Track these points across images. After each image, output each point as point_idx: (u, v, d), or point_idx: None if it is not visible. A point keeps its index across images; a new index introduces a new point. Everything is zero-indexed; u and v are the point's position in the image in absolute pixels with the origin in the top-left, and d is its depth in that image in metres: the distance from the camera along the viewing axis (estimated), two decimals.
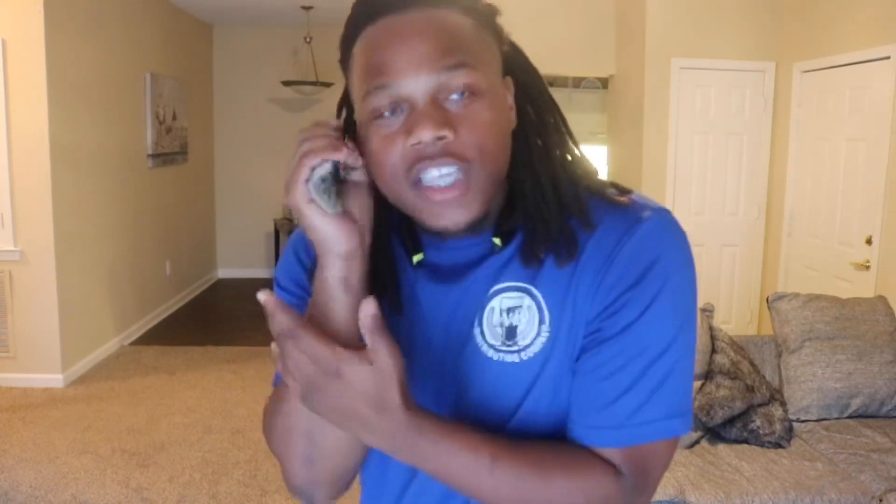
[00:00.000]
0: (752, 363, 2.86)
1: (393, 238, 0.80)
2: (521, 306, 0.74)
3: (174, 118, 6.20)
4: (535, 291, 0.74)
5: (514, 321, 0.74)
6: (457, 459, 0.68)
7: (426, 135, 0.66)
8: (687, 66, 4.75)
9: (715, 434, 2.69)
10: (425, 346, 0.78)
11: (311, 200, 0.68)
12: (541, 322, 0.74)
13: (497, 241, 0.76)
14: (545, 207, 0.75)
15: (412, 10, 0.69)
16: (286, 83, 6.84)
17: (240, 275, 7.78)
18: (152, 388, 4.43)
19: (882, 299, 3.09)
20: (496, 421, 0.76)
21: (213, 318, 6.32)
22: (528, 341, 0.74)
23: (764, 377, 2.85)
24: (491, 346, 0.75)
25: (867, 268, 3.78)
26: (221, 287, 7.42)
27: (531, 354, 0.74)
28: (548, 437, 0.75)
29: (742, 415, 2.65)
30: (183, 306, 6.53)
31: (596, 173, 0.79)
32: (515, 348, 0.74)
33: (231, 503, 3.09)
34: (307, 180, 0.68)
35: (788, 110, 4.58)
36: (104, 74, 4.93)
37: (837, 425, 2.80)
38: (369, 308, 0.64)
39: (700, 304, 3.08)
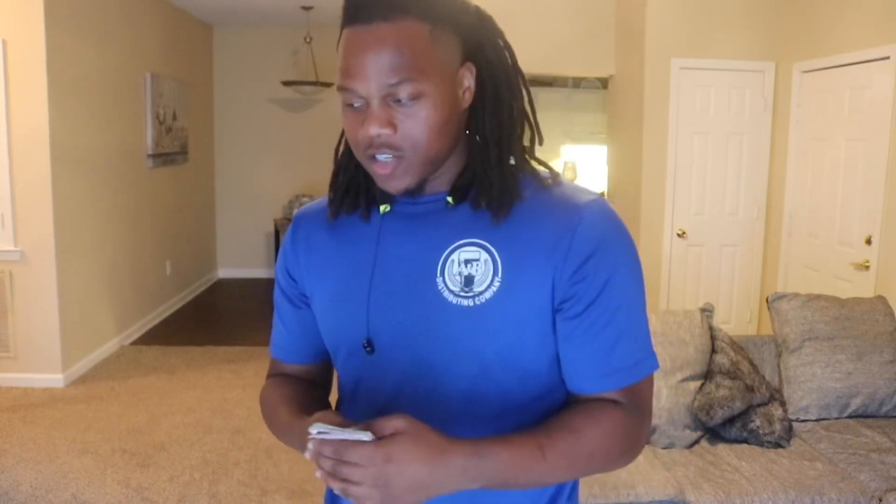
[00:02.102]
0: (751, 363, 2.86)
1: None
2: (478, 259, 0.90)
3: (174, 118, 6.20)
4: (491, 248, 0.90)
5: (471, 271, 0.90)
6: (518, 463, 0.82)
7: (372, 131, 0.86)
8: (687, 66, 4.75)
9: (715, 434, 2.69)
10: (390, 281, 0.94)
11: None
12: (494, 274, 0.89)
13: (449, 199, 0.93)
14: (487, 170, 0.92)
15: (374, 23, 0.84)
16: (286, 83, 6.85)
17: (240, 275, 7.78)
18: (152, 388, 4.44)
19: (882, 299, 3.09)
20: (454, 363, 0.90)
21: (213, 318, 6.32)
22: (482, 288, 0.89)
23: (764, 377, 2.85)
24: (451, 292, 0.90)
25: (867, 268, 3.78)
26: (221, 287, 7.42)
27: (484, 300, 0.89)
28: (515, 380, 0.91)
29: (742, 414, 2.66)
30: (183, 306, 6.53)
31: (531, 154, 0.97)
32: (471, 294, 0.89)
33: (231, 503, 3.09)
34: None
35: (788, 110, 4.58)
36: (104, 74, 4.93)
37: (837, 425, 2.81)
38: (363, 434, 0.77)
39: (700, 303, 3.08)
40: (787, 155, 4.61)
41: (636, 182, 5.03)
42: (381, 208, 0.97)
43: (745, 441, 2.66)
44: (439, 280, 0.91)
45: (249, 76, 7.50)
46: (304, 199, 7.05)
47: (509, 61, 0.95)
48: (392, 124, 0.86)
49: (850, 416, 2.87)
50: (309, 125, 7.61)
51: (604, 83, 6.40)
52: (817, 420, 2.86)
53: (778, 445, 2.64)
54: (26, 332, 4.37)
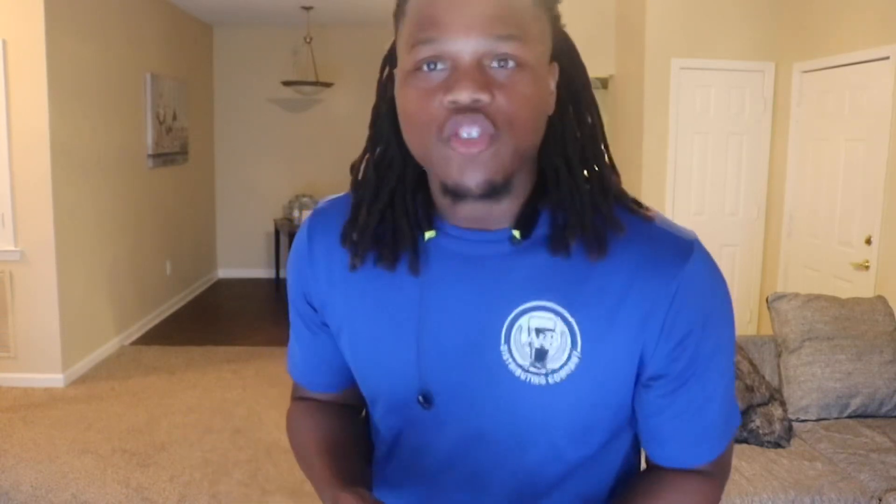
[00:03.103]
0: (751, 363, 2.86)
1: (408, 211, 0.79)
2: (552, 329, 0.74)
3: (174, 118, 6.20)
4: (568, 317, 0.74)
5: (544, 344, 0.74)
6: None
7: (464, 95, 0.66)
8: (687, 66, 4.75)
9: None
10: (442, 332, 0.77)
11: None
12: (573, 348, 0.74)
13: (516, 233, 0.75)
14: (577, 193, 0.74)
15: None
16: (286, 83, 6.85)
17: (240, 275, 7.78)
18: (152, 388, 4.44)
19: (881, 299, 3.09)
20: (519, 440, 0.78)
21: (213, 318, 6.32)
22: (556, 366, 0.74)
23: (763, 377, 2.85)
24: (518, 365, 0.75)
25: (867, 268, 3.78)
26: (221, 287, 7.42)
27: (559, 378, 0.74)
28: (578, 462, 0.80)
29: (741, 414, 2.66)
30: (183, 306, 6.53)
31: (618, 182, 0.79)
32: (543, 371, 0.75)
33: (231, 503, 3.09)
34: None
35: (788, 110, 4.58)
36: (104, 74, 4.93)
37: (837, 425, 2.81)
38: None
39: None
40: (787, 155, 4.61)
41: (636, 182, 5.03)
42: (427, 235, 0.77)
43: (745, 441, 2.65)
44: (504, 348, 0.75)
45: (249, 76, 7.50)
46: (304, 199, 7.05)
47: (586, 74, 0.80)
48: (490, 89, 0.67)
49: (849, 416, 2.87)
50: (309, 125, 7.61)
51: (604, 83, 6.40)
52: (817, 420, 2.86)
53: (778, 445, 2.64)
54: (26, 332, 4.37)
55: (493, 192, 0.71)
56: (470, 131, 0.67)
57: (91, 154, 4.77)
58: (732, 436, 0.83)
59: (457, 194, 0.72)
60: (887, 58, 3.61)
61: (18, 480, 3.23)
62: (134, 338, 5.46)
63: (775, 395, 2.83)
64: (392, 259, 0.77)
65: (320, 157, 7.60)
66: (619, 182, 0.79)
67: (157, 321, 5.94)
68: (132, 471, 3.35)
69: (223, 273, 7.80)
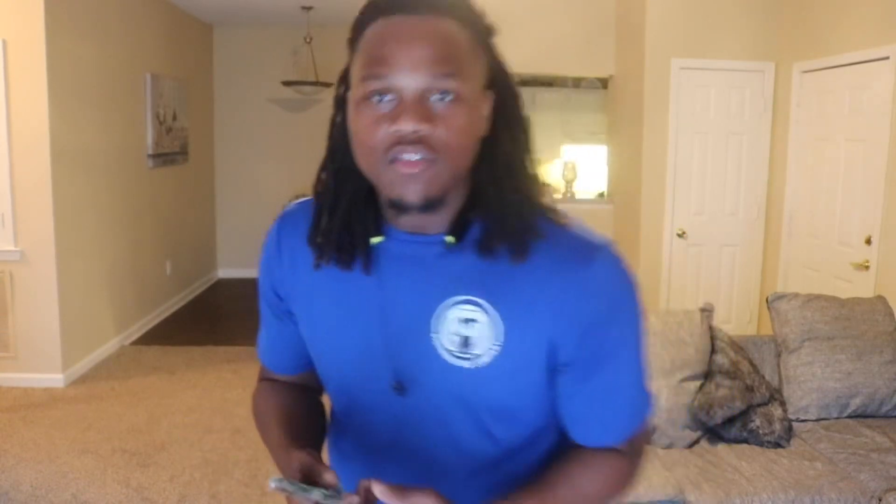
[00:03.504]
0: (751, 363, 2.86)
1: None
2: (476, 320, 0.85)
3: (174, 118, 6.20)
4: (491, 309, 0.85)
5: (470, 333, 0.85)
6: None
7: (408, 126, 0.77)
8: (687, 66, 4.75)
9: (715, 434, 2.69)
10: (381, 325, 0.89)
11: None
12: (494, 337, 0.85)
13: (449, 238, 0.86)
14: (503, 204, 0.85)
15: (421, 14, 0.79)
16: (286, 83, 6.85)
17: (240, 275, 7.78)
18: (153, 388, 4.44)
19: (881, 299, 3.09)
20: (450, 419, 0.89)
21: (213, 318, 6.32)
22: (480, 352, 0.85)
23: (763, 377, 2.86)
24: (447, 351, 0.86)
25: (867, 268, 3.78)
26: (221, 287, 7.42)
27: (482, 363, 0.85)
28: (508, 432, 0.90)
29: (742, 414, 2.66)
30: (183, 306, 6.53)
31: (544, 194, 0.90)
32: (468, 356, 0.85)
33: (231, 503, 3.09)
34: None
35: (788, 110, 4.58)
36: (104, 74, 4.93)
37: (837, 425, 2.81)
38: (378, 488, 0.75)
39: (700, 303, 3.08)
40: (787, 155, 4.61)
41: (636, 182, 5.03)
42: (374, 239, 0.88)
43: (745, 441, 2.66)
44: (434, 336, 0.86)
45: (249, 76, 7.50)
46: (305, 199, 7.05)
47: (520, 102, 0.90)
48: (431, 120, 0.78)
49: (849, 416, 2.87)
50: (309, 125, 7.61)
51: (604, 83, 6.40)
52: (817, 420, 2.86)
53: (778, 445, 2.64)
54: (26, 332, 4.37)
55: (430, 206, 0.81)
56: (411, 156, 0.78)
57: (91, 154, 4.77)
58: (643, 421, 0.94)
59: (400, 208, 0.82)
60: (887, 58, 3.61)
61: (18, 480, 3.23)
62: (134, 338, 5.46)
63: (775, 395, 2.83)
64: (349, 260, 0.89)
65: (320, 157, 7.48)
66: (545, 193, 0.89)
67: (157, 321, 5.94)
68: (132, 471, 3.35)
69: (223, 273, 7.80)
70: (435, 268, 0.87)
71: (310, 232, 0.91)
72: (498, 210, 0.85)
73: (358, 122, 0.81)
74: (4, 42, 4.12)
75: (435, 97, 0.78)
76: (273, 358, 1.06)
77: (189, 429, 3.84)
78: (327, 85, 6.87)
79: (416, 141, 0.78)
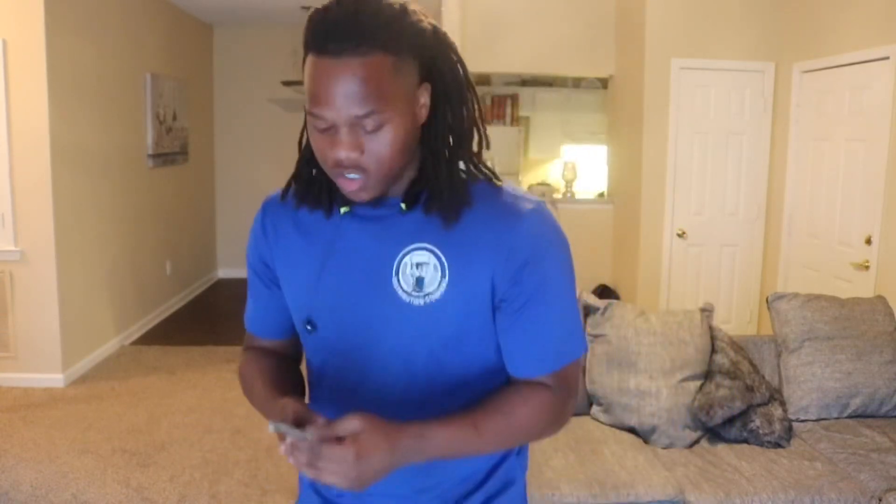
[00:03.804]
0: (751, 363, 2.86)
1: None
2: (427, 263, 1.01)
3: (174, 118, 6.20)
4: (438, 253, 1.01)
5: (422, 274, 1.01)
6: (456, 441, 0.96)
7: (341, 155, 0.94)
8: (687, 66, 4.75)
9: (715, 434, 2.69)
10: (343, 273, 1.05)
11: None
12: (442, 276, 1.00)
13: (403, 205, 1.02)
14: (440, 178, 1.01)
15: (342, 57, 0.90)
16: (286, 83, 6.84)
17: (240, 275, 7.77)
18: (153, 388, 4.44)
19: (881, 299, 3.09)
20: (407, 352, 1.03)
21: (213, 318, 6.32)
22: (431, 289, 1.01)
23: (763, 377, 2.86)
24: (404, 291, 1.01)
25: (866, 268, 3.78)
26: (221, 287, 7.43)
27: (433, 300, 1.01)
28: (457, 370, 1.04)
29: (742, 414, 2.66)
30: (183, 306, 6.53)
31: (478, 159, 1.06)
32: (421, 294, 1.01)
33: (231, 503, 3.09)
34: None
35: (788, 110, 4.58)
36: (104, 74, 4.93)
37: (837, 425, 2.81)
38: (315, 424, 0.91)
39: (700, 303, 3.08)
40: (786, 155, 4.61)
41: (636, 182, 5.03)
42: (342, 210, 1.06)
43: (745, 441, 2.66)
44: (395, 280, 1.02)
45: (249, 76, 7.50)
46: None
47: (461, 75, 1.03)
48: (359, 148, 0.94)
49: (849, 416, 2.87)
50: None
51: (604, 83, 6.40)
52: (817, 420, 2.86)
53: (778, 445, 2.64)
54: (26, 332, 4.37)
55: (376, 201, 1.01)
56: (350, 175, 0.96)
57: (91, 154, 4.77)
58: (572, 359, 1.06)
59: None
60: (887, 58, 3.61)
61: (18, 480, 3.23)
62: (134, 338, 5.46)
63: (775, 395, 2.83)
64: (317, 205, 1.07)
65: None
66: (479, 160, 1.05)
67: (157, 321, 5.94)
68: (132, 471, 3.35)
69: (223, 273, 7.80)
70: (392, 225, 1.03)
71: (293, 178, 1.10)
72: (435, 183, 1.01)
73: (312, 141, 0.98)
74: (4, 42, 4.12)
75: (363, 125, 0.93)
76: (259, 324, 1.21)
77: (189, 429, 3.84)
78: None
79: (350, 164, 0.94)
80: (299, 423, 0.93)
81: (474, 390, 1.05)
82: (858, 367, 2.86)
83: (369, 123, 0.92)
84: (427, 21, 0.98)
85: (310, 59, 0.93)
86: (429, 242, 1.01)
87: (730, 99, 4.80)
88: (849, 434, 2.73)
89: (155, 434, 3.77)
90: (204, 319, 6.23)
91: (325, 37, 0.90)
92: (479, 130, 1.05)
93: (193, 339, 5.50)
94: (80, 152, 4.62)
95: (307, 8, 6.28)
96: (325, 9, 0.92)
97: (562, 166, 6.66)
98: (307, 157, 1.07)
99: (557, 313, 1.04)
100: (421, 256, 1.01)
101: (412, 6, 0.97)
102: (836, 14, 4.08)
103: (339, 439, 0.89)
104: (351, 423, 0.90)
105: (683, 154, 4.84)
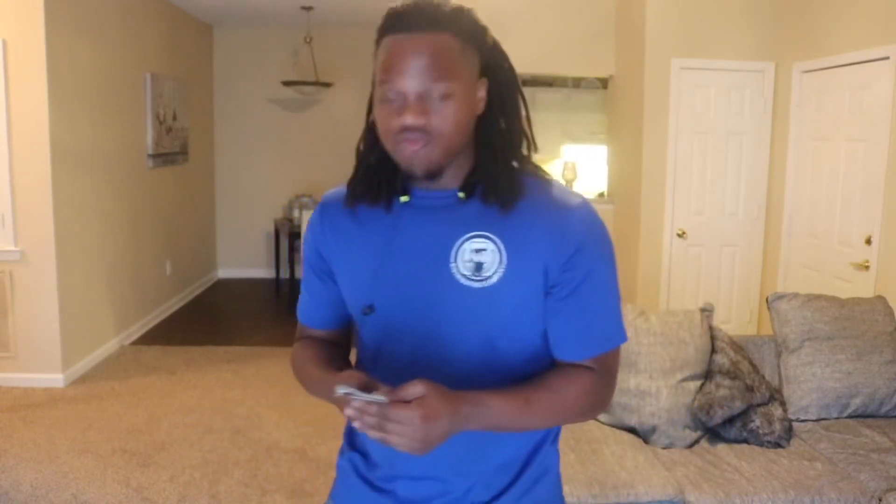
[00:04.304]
0: (751, 363, 2.86)
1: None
2: (486, 249, 1.08)
3: (174, 118, 6.20)
4: (497, 240, 1.08)
5: (481, 259, 1.08)
6: (509, 412, 1.04)
7: (409, 119, 1.01)
8: (687, 66, 4.75)
9: (715, 434, 2.69)
10: (403, 260, 1.11)
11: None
12: (500, 262, 1.07)
13: (461, 194, 1.10)
14: (497, 170, 1.09)
15: (416, 33, 1.01)
16: (286, 83, 6.84)
17: (240, 275, 7.78)
18: (153, 388, 4.44)
19: (881, 299, 3.09)
20: (463, 334, 1.09)
21: (213, 318, 6.32)
22: (489, 274, 1.07)
23: (763, 377, 2.86)
24: (463, 276, 1.08)
25: (867, 268, 3.78)
26: (221, 287, 7.43)
27: (491, 283, 1.07)
28: (512, 347, 1.11)
29: (742, 414, 2.66)
30: (183, 306, 6.53)
31: (531, 158, 1.14)
32: (480, 278, 1.08)
33: (231, 503, 3.09)
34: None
35: (788, 110, 4.58)
36: (104, 74, 4.93)
37: (837, 425, 2.81)
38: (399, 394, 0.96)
39: (700, 303, 3.08)
40: (786, 155, 4.61)
41: (636, 182, 5.03)
42: (402, 199, 1.13)
43: (745, 441, 2.66)
44: (453, 265, 1.08)
45: (249, 76, 7.50)
46: (304, 199, 7.05)
47: (513, 80, 1.13)
48: (426, 115, 1.01)
49: (849, 416, 2.87)
50: (309, 125, 7.61)
51: (604, 83, 6.40)
52: (817, 420, 2.86)
53: (778, 445, 2.64)
54: (26, 332, 4.37)
55: (432, 175, 1.06)
56: (413, 136, 1.02)
57: (91, 154, 4.77)
58: (614, 346, 1.13)
59: (411, 177, 1.09)
60: (887, 58, 3.61)
61: (18, 480, 3.23)
62: (134, 338, 5.46)
63: (775, 395, 2.83)
64: (374, 205, 1.14)
65: (320, 157, 7.59)
66: (531, 158, 1.14)
67: (157, 321, 5.94)
68: (132, 471, 3.35)
69: (223, 273, 7.80)
70: (450, 214, 1.10)
71: (349, 182, 1.17)
72: (493, 174, 1.09)
73: (378, 114, 1.07)
74: (4, 42, 4.12)
75: (431, 96, 1.01)
76: (311, 316, 1.28)
77: (189, 429, 3.84)
78: (327, 85, 6.87)
79: (417, 128, 1.02)
80: (365, 390, 0.97)
81: (522, 374, 1.11)
82: (858, 367, 2.86)
83: (437, 92, 1.01)
84: (489, 33, 1.10)
85: (385, 40, 1.04)
86: (487, 230, 1.08)
87: (730, 99, 4.80)
88: (849, 434, 2.73)
89: (155, 434, 3.76)
90: (204, 319, 6.23)
91: (401, 19, 1.02)
92: (527, 136, 1.14)
93: (193, 339, 5.50)
94: (80, 152, 4.62)
95: (307, 8, 6.28)
96: (402, 4, 1.04)
97: (562, 166, 6.66)
98: (365, 154, 1.15)
99: (603, 301, 1.11)
100: (480, 243, 1.08)
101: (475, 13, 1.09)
102: (836, 14, 4.08)
103: (406, 403, 0.94)
104: (416, 388, 0.95)
105: (683, 154, 4.84)
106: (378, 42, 1.06)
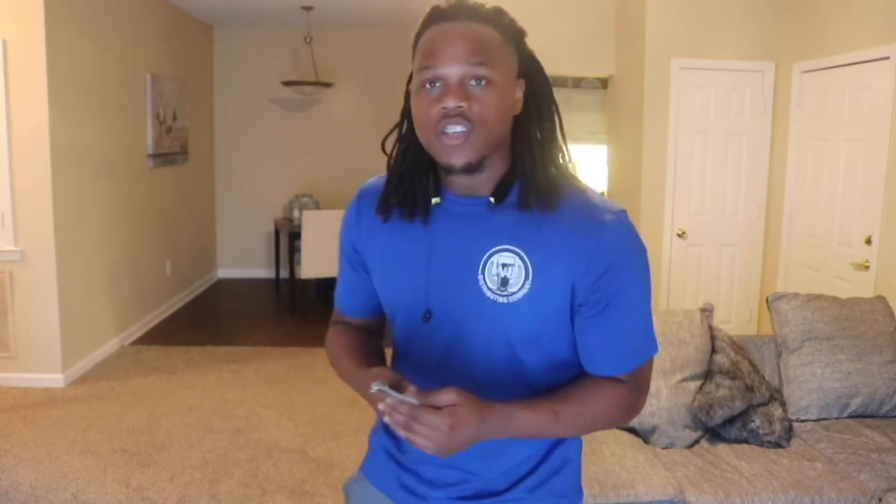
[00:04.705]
0: (751, 363, 2.86)
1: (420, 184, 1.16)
2: (512, 264, 1.08)
3: (174, 118, 6.20)
4: (524, 255, 1.08)
5: (507, 274, 1.08)
6: (537, 424, 1.06)
7: (450, 103, 1.02)
8: (687, 66, 4.75)
9: (715, 434, 2.69)
10: (440, 268, 1.12)
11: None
12: (526, 278, 1.07)
13: (491, 199, 1.10)
14: (536, 170, 1.09)
15: (460, 21, 1.05)
16: (286, 83, 6.84)
17: (240, 275, 7.78)
18: (153, 388, 4.44)
19: (881, 299, 3.09)
20: (488, 345, 1.10)
21: (213, 318, 6.32)
22: (514, 290, 1.08)
23: (763, 377, 2.86)
24: (489, 289, 1.09)
25: (867, 268, 3.78)
26: (221, 287, 7.43)
27: (516, 299, 1.08)
28: (535, 359, 1.12)
29: (742, 414, 2.66)
30: (183, 306, 6.53)
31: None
32: (505, 293, 1.08)
33: (231, 503, 3.09)
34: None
35: (788, 110, 4.58)
36: (104, 74, 4.93)
37: (837, 425, 2.81)
38: (417, 397, 0.99)
39: (700, 303, 3.08)
40: (786, 155, 4.61)
41: (636, 182, 5.03)
42: (433, 200, 1.14)
43: (745, 441, 2.66)
44: (480, 277, 1.09)
45: (249, 76, 7.50)
46: (304, 199, 7.05)
47: (550, 93, 1.14)
48: (467, 98, 1.02)
49: (850, 416, 2.87)
50: (309, 125, 7.61)
51: (604, 83, 6.39)
52: (817, 420, 2.86)
53: (778, 445, 2.64)
54: (26, 332, 4.37)
55: (471, 169, 1.06)
56: (454, 128, 1.03)
57: (91, 154, 4.77)
58: (645, 359, 1.13)
59: (449, 170, 1.08)
60: (887, 58, 3.61)
61: (18, 480, 3.23)
62: (134, 338, 5.46)
63: (775, 395, 2.83)
64: (410, 216, 1.14)
65: (320, 157, 7.59)
66: (570, 165, 1.14)
67: (157, 321, 5.94)
68: (132, 471, 3.35)
69: (223, 273, 7.80)
70: (480, 223, 1.10)
71: (382, 192, 1.17)
72: (532, 174, 1.08)
73: (416, 104, 1.07)
74: (4, 42, 4.12)
75: (472, 82, 1.03)
76: (346, 303, 1.32)
77: (189, 429, 3.84)
78: (327, 85, 6.87)
79: (457, 114, 1.02)
80: (396, 389, 1.00)
81: (548, 384, 1.13)
82: (858, 367, 2.86)
83: (480, 74, 1.02)
84: (526, 41, 1.12)
85: (427, 31, 1.07)
86: (515, 245, 1.08)
87: (730, 99, 4.80)
88: (849, 434, 2.73)
89: (155, 434, 3.76)
90: (204, 319, 6.23)
91: (443, 13, 1.06)
92: (563, 147, 1.15)
93: (193, 339, 5.50)
94: (80, 152, 4.62)
95: (307, 8, 6.28)
96: (444, 1, 1.08)
97: None
98: (401, 153, 1.16)
99: (634, 318, 1.11)
100: (507, 258, 1.08)
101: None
102: (836, 14, 4.08)
103: (436, 409, 0.97)
104: (449, 396, 0.98)
105: (683, 154, 4.84)
106: (418, 36, 1.09)
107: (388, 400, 0.99)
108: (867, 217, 3.79)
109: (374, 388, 0.99)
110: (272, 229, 7.57)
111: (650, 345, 1.14)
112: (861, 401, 2.85)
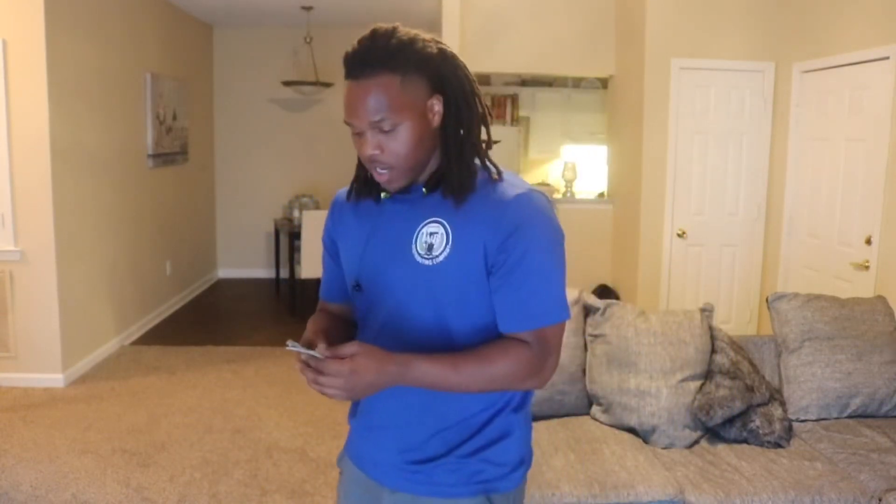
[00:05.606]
0: (751, 363, 2.86)
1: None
2: (437, 232, 1.26)
3: (174, 118, 6.20)
4: (446, 224, 1.26)
5: (432, 241, 1.26)
6: (435, 373, 1.20)
7: (368, 152, 1.23)
8: (687, 66, 4.75)
9: (714, 434, 2.69)
10: (381, 245, 1.32)
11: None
12: (447, 243, 1.25)
13: (424, 190, 1.29)
14: (452, 172, 1.27)
15: (362, 79, 1.20)
16: (286, 83, 6.85)
17: (240, 275, 7.78)
18: (153, 388, 4.44)
19: (881, 299, 3.09)
20: (419, 307, 1.26)
21: (213, 318, 6.32)
22: (437, 253, 1.25)
23: (763, 377, 2.85)
24: (419, 255, 1.26)
25: (866, 268, 3.78)
26: (221, 287, 7.43)
27: (439, 261, 1.25)
28: (461, 318, 1.27)
29: (742, 414, 2.66)
30: (183, 306, 6.53)
31: (487, 157, 1.31)
32: (431, 257, 1.25)
33: (231, 503, 3.09)
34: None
35: (788, 110, 4.58)
36: (104, 74, 4.93)
37: (837, 425, 2.81)
38: (325, 351, 1.15)
39: (700, 303, 3.08)
40: (786, 155, 4.61)
41: (636, 182, 5.03)
42: (382, 195, 1.34)
43: (745, 441, 2.65)
44: (413, 247, 1.27)
45: (249, 76, 7.50)
46: (304, 199, 7.05)
47: (468, 86, 1.27)
48: (381, 147, 1.22)
49: (849, 416, 2.87)
50: (309, 125, 7.61)
51: (604, 83, 6.40)
52: (817, 420, 2.85)
53: (778, 445, 2.64)
54: (26, 332, 4.37)
55: (404, 190, 1.29)
56: (379, 170, 1.25)
57: (91, 154, 4.77)
58: (551, 322, 1.26)
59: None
60: (887, 58, 3.61)
61: (18, 480, 3.23)
62: (134, 338, 5.46)
63: (775, 395, 2.83)
64: (369, 195, 1.36)
65: (320, 157, 7.59)
66: (487, 153, 1.31)
67: (157, 321, 5.94)
68: (132, 471, 3.35)
69: (223, 273, 7.80)
70: (416, 206, 1.29)
71: (353, 180, 1.39)
72: (448, 175, 1.27)
73: (354, 144, 1.27)
74: (4, 42, 4.13)
75: (382, 128, 1.21)
76: (326, 291, 1.49)
77: (189, 429, 3.84)
78: (327, 85, 6.87)
79: (377, 161, 1.23)
80: (309, 348, 1.16)
81: (470, 345, 1.26)
82: (858, 367, 2.85)
83: (384, 126, 1.20)
84: (434, 46, 1.23)
85: (346, 82, 1.23)
86: (441, 217, 1.26)
87: (730, 99, 4.80)
88: (849, 434, 2.73)
89: (155, 434, 3.77)
90: (204, 319, 6.23)
91: (350, 66, 1.21)
92: (486, 130, 1.31)
93: (193, 339, 5.50)
94: (80, 152, 4.62)
95: (307, 8, 6.28)
96: (353, 46, 1.21)
97: (562, 166, 6.66)
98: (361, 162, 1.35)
99: (539, 279, 1.24)
100: (433, 228, 1.26)
101: (421, 35, 1.23)
102: (836, 14, 4.08)
103: (340, 360, 1.13)
104: (350, 348, 1.15)
105: (683, 154, 4.84)
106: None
107: (302, 357, 1.13)
108: (867, 217, 3.79)
109: (288, 346, 1.13)
110: (272, 229, 7.57)
111: (556, 310, 1.26)
112: (861, 401, 2.85)
